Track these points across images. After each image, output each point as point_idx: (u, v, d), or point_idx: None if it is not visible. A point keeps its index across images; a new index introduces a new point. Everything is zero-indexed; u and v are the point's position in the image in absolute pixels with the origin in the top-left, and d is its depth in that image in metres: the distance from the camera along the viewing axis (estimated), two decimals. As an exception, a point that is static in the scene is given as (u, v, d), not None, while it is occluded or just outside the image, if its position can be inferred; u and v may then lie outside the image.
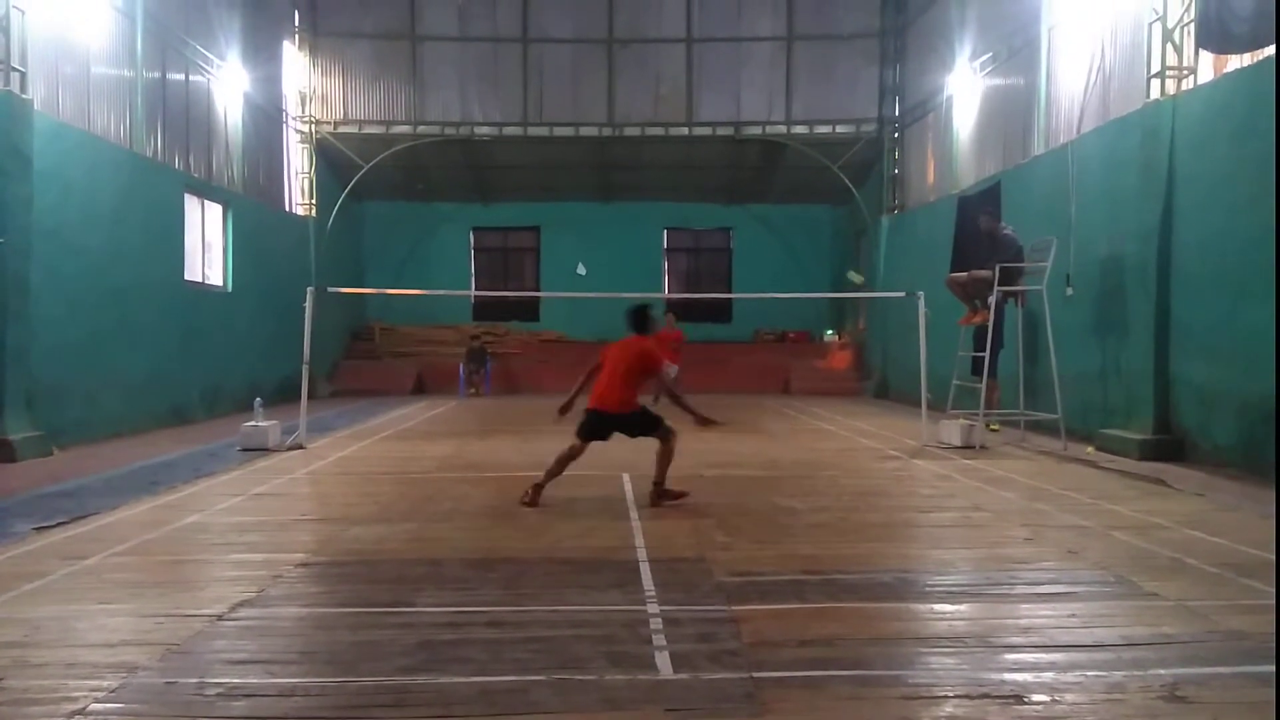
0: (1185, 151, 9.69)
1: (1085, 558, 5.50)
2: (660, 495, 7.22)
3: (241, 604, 4.56)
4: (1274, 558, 5.30)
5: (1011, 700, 3.38)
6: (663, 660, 3.76)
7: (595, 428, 7.36)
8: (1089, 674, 3.64)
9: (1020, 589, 4.89)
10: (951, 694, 3.44)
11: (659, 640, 4.00)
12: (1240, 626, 4.18)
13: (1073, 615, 4.40)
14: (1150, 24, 10.13)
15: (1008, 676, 3.63)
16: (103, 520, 6.63)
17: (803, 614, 4.44)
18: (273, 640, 4.11)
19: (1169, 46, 9.95)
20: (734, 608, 4.47)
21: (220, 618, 4.34)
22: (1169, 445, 9.56)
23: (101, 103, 12.38)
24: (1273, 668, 3.66)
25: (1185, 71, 9.92)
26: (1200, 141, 9.48)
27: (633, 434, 7.41)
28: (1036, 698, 3.40)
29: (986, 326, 11.07)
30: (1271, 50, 8.50)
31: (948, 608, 4.58)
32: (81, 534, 6.17)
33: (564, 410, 7.54)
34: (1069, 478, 8.59)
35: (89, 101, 12.09)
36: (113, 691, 3.44)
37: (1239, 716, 3.26)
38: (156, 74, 13.82)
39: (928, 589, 4.92)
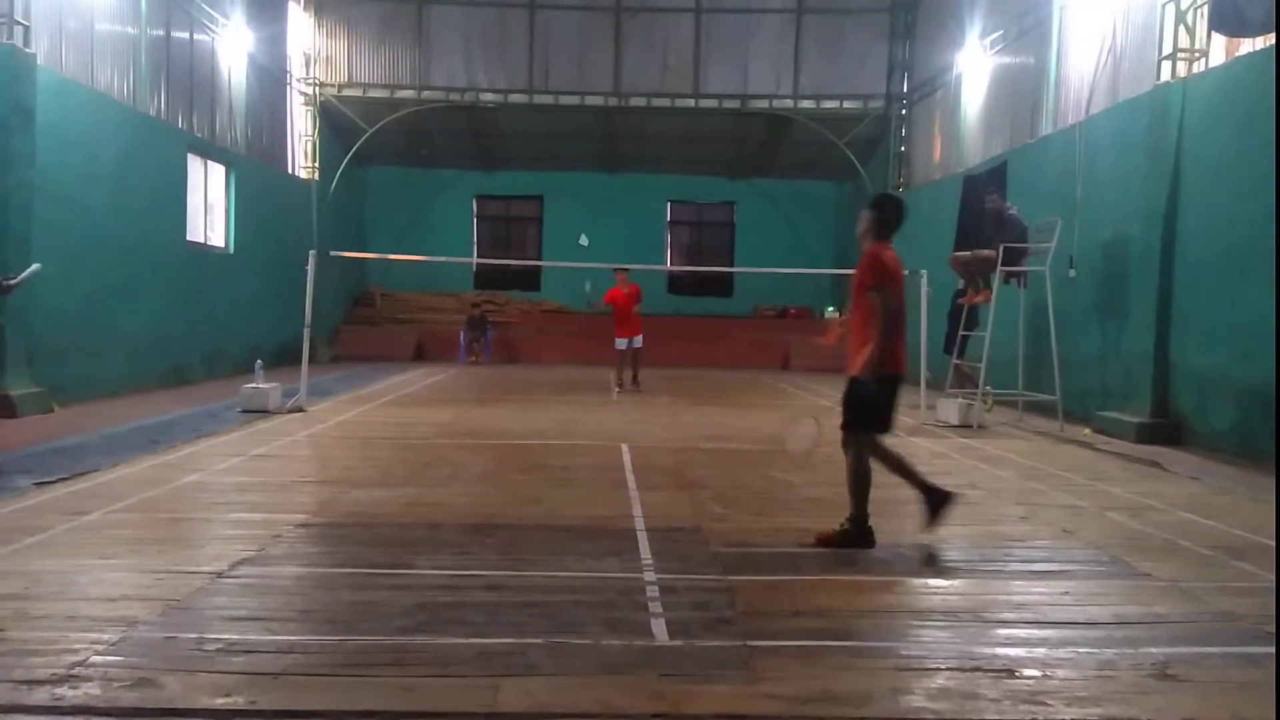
0: (1193, 135, 9.64)
1: (1079, 537, 5.53)
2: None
3: (241, 562, 4.59)
4: (1272, 543, 5.34)
5: (1003, 674, 3.41)
6: (658, 627, 3.79)
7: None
8: (1080, 651, 3.67)
9: (1014, 566, 4.92)
10: (943, 666, 3.48)
11: (655, 607, 4.03)
12: (1231, 608, 4.21)
13: (1066, 593, 4.43)
14: (1163, 5, 10.04)
15: (1000, 651, 3.67)
16: (103, 477, 6.66)
17: (797, 585, 4.47)
18: (272, 598, 4.14)
19: (1181, 28, 9.87)
20: (729, 578, 4.50)
21: (220, 575, 4.38)
22: (1166, 429, 9.58)
23: (105, 59, 12.28)
24: (1262, 649, 3.70)
25: (1197, 54, 9.85)
26: (1209, 125, 9.42)
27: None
28: (1028, 672, 3.43)
29: (987, 307, 11.07)
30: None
31: (941, 583, 4.61)
32: (82, 490, 6.20)
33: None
34: (1065, 458, 8.62)
35: (92, 58, 12.00)
36: (113, 645, 3.48)
37: (1228, 696, 3.29)
38: (160, 31, 13.71)
39: (922, 564, 4.95)
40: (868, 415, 5.14)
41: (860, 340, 5.14)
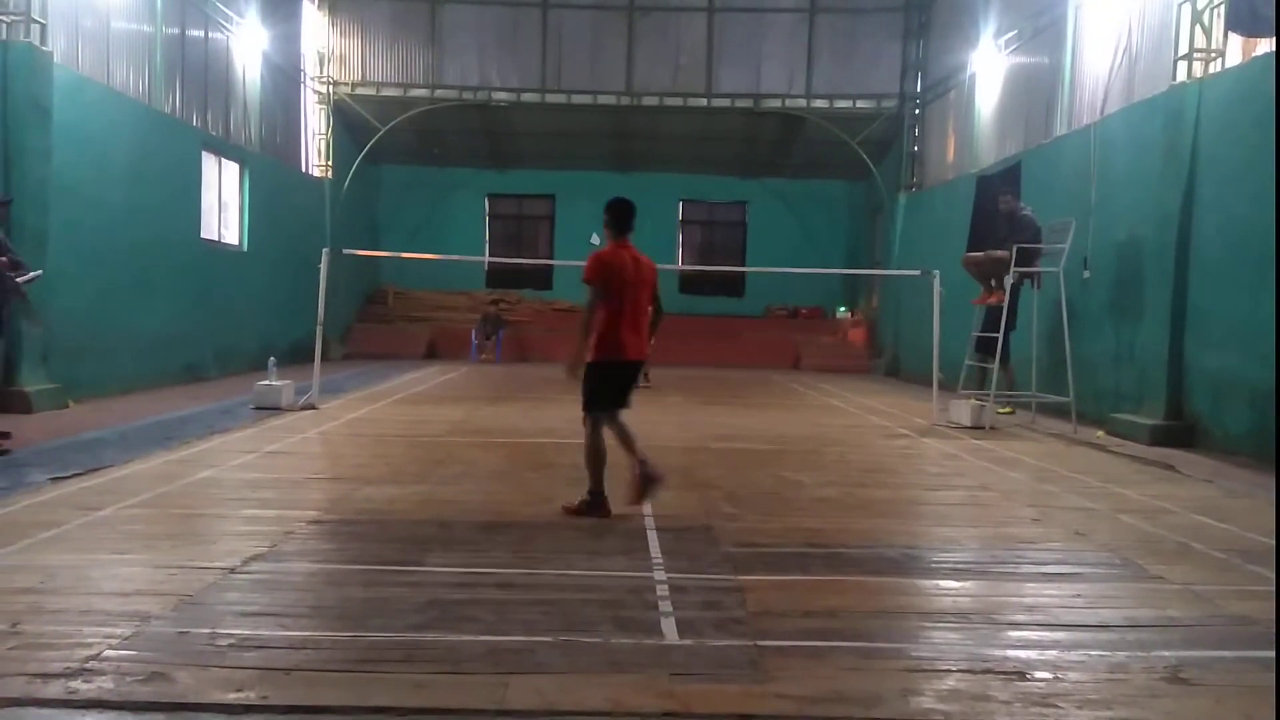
0: (1209, 136, 9.59)
1: (1092, 539, 5.51)
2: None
3: (254, 558, 4.61)
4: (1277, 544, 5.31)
5: (1014, 676, 3.40)
6: (668, 626, 3.79)
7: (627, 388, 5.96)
8: (1092, 653, 3.66)
9: (1026, 568, 4.90)
10: (954, 668, 3.47)
11: (665, 606, 4.03)
12: (1244, 611, 4.19)
13: (1078, 595, 4.42)
14: (1179, 5, 9.99)
15: (1011, 653, 3.65)
16: (117, 473, 6.70)
17: (807, 586, 4.47)
18: (284, 594, 4.16)
19: (1197, 28, 9.81)
20: (739, 577, 4.50)
21: (233, 571, 4.40)
22: (1180, 431, 9.53)
23: (121, 58, 12.35)
24: (1275, 652, 3.67)
25: (1213, 54, 9.79)
26: (1225, 126, 9.36)
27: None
28: (1039, 675, 3.42)
29: (1000, 307, 11.02)
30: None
31: (952, 584, 4.60)
32: (96, 485, 6.25)
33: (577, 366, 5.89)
34: (1078, 461, 8.58)
35: (108, 56, 12.07)
36: (126, 639, 3.50)
37: (1241, 700, 3.27)
38: (176, 30, 13.78)
39: (933, 565, 4.94)
40: (595, 397, 5.82)
41: (590, 330, 5.81)
